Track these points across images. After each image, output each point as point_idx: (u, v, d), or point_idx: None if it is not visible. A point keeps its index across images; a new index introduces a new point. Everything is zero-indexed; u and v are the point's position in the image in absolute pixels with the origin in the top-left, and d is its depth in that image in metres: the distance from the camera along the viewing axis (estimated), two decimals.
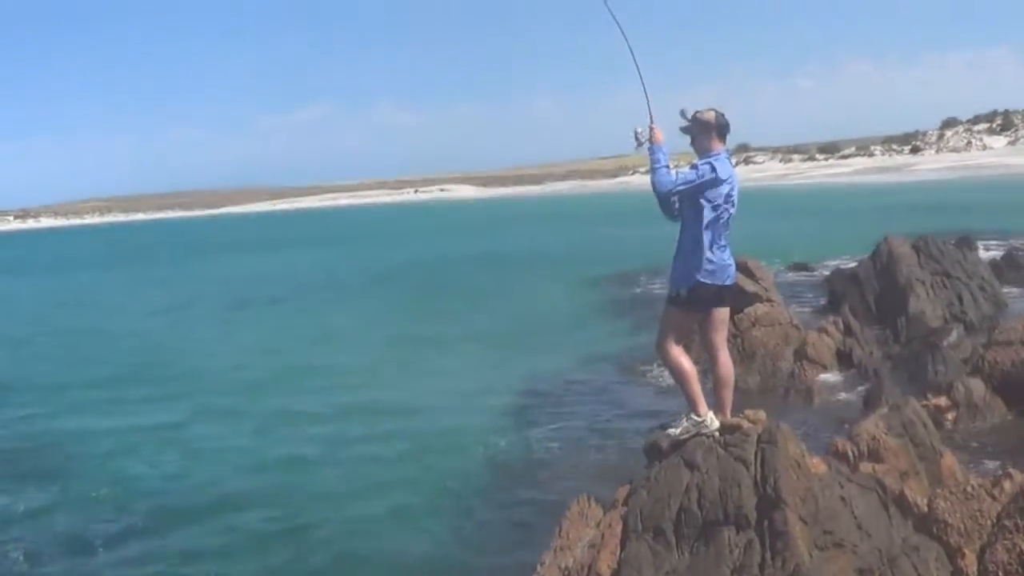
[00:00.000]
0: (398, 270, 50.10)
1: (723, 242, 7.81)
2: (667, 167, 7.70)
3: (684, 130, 8.00)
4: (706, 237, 7.71)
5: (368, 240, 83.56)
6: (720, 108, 7.99)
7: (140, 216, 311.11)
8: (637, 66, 8.13)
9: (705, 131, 7.83)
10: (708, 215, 7.68)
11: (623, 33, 8.20)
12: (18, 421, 20.10)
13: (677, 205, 7.85)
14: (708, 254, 7.71)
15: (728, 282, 7.90)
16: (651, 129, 7.84)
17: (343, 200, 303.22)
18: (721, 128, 7.91)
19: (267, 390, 21.23)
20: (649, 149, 7.81)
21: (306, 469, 15.19)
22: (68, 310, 42.73)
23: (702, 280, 7.68)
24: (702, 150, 7.91)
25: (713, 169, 7.64)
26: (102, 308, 42.21)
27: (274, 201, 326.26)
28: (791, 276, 30.86)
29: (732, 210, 7.81)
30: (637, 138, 7.85)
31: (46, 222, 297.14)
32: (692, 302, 7.79)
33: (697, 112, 7.92)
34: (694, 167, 7.71)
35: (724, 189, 7.71)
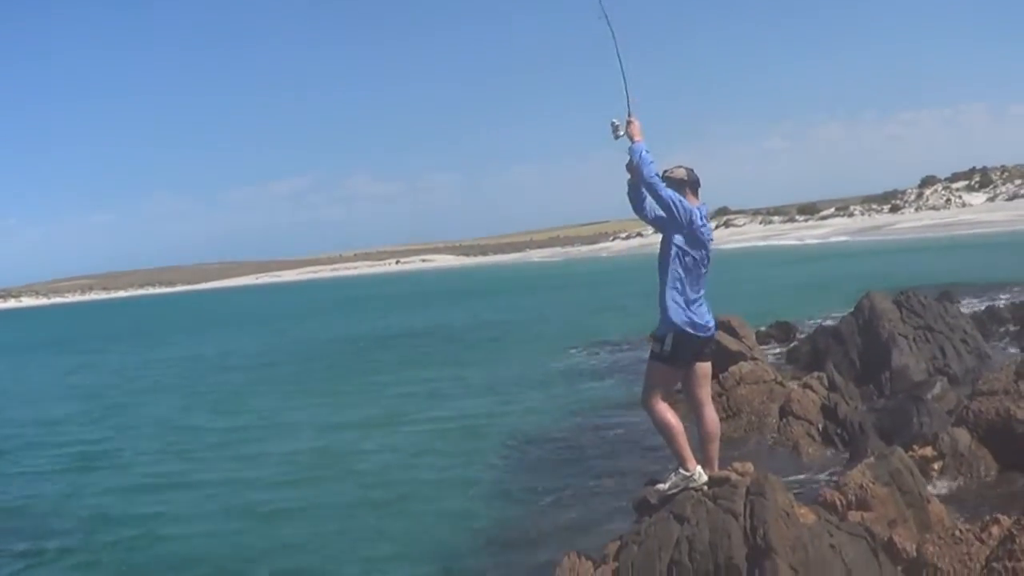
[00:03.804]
0: (375, 340, 50.04)
1: (700, 295, 7.90)
2: (652, 161, 7.81)
3: None
4: (687, 289, 7.80)
5: (351, 311, 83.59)
6: (688, 165, 8.12)
7: (122, 293, 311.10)
8: (619, 55, 8.16)
9: (678, 189, 7.93)
10: (687, 265, 7.78)
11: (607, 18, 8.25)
12: None
13: (651, 215, 8.01)
14: (690, 305, 7.80)
15: (708, 334, 7.98)
16: (629, 122, 7.95)
17: (325, 272, 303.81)
18: (693, 184, 8.03)
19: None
20: (630, 141, 7.89)
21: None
22: None
23: (683, 330, 7.76)
24: None
25: (692, 214, 7.75)
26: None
27: (257, 275, 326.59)
28: (774, 334, 30.88)
29: (707, 263, 7.92)
30: (614, 130, 7.96)
31: (27, 301, 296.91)
32: (675, 356, 7.85)
33: (667, 171, 8.04)
34: (683, 201, 7.83)
35: (705, 243, 7.83)
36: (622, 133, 7.93)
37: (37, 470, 22.49)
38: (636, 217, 8.46)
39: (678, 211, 7.74)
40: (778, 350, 28.92)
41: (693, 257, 7.82)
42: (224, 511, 16.93)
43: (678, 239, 7.82)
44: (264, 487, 18.45)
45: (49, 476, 21.65)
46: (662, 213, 7.91)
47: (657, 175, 7.80)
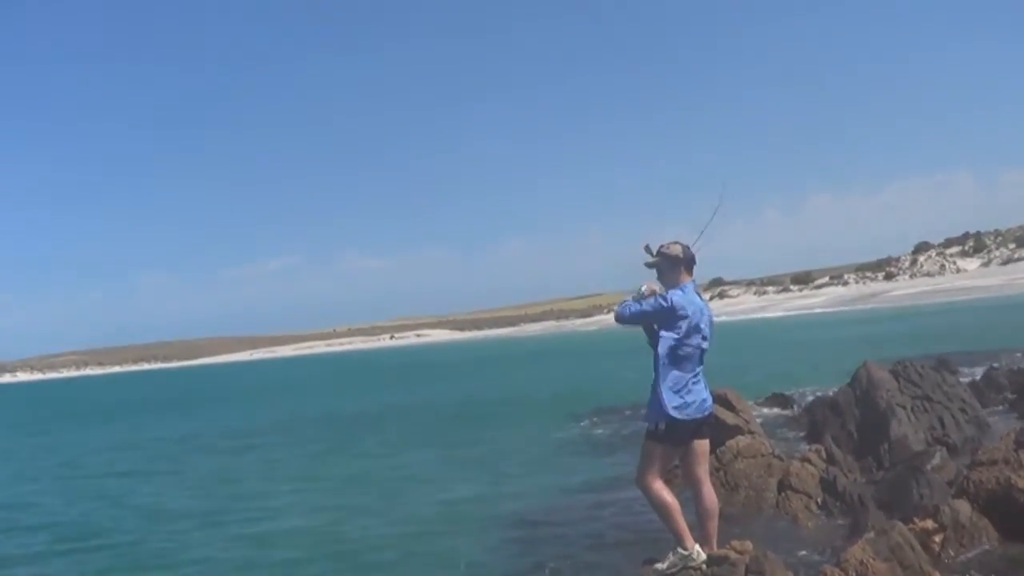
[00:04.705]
0: (369, 418, 49.64)
1: (696, 375, 7.85)
2: (627, 303, 8.07)
3: (650, 265, 8.14)
4: (677, 371, 7.75)
5: (345, 387, 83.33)
6: (684, 241, 8.16)
7: (116, 369, 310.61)
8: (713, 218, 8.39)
9: (673, 266, 7.99)
10: (674, 347, 7.74)
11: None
12: None
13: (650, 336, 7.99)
14: (681, 389, 7.74)
15: (705, 415, 7.91)
16: (652, 288, 8.23)
17: (320, 348, 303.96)
18: (688, 261, 8.08)
19: None
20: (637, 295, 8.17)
21: None
22: None
23: (677, 416, 7.68)
24: (670, 284, 8.06)
25: (671, 300, 7.76)
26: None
27: (252, 351, 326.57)
28: (771, 406, 30.76)
29: (704, 343, 7.87)
30: (648, 252, 8.31)
31: (22, 376, 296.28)
32: (671, 436, 7.77)
33: (663, 247, 8.09)
34: (662, 297, 7.87)
35: (691, 321, 7.79)
36: (651, 258, 8.27)
37: (18, 554, 21.65)
38: (630, 288, 8.48)
39: (656, 310, 7.82)
40: (778, 412, 28.88)
41: (682, 341, 7.79)
42: None
43: (664, 331, 7.82)
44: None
45: (26, 561, 20.71)
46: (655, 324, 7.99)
47: (628, 309, 8.01)
